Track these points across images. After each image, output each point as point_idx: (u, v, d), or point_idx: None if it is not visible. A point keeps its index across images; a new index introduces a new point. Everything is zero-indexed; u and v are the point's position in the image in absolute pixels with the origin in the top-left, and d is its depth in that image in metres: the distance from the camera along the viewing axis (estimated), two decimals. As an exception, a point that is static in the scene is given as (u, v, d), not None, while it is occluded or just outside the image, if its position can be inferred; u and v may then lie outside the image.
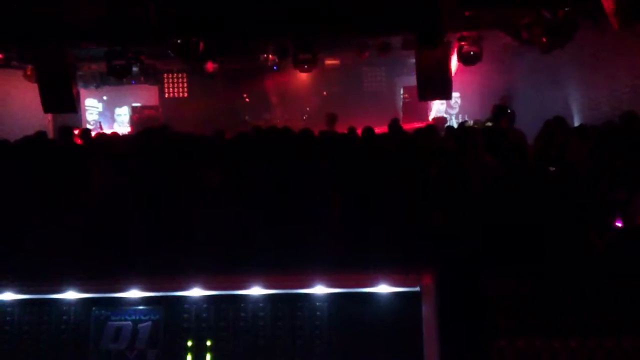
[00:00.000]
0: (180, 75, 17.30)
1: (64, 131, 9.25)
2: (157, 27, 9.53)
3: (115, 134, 11.14)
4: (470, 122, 12.69)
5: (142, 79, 16.00)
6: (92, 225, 2.83)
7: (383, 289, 2.10)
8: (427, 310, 2.06)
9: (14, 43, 10.98)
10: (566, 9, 9.02)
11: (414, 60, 12.13)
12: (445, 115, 15.98)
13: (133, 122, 16.84)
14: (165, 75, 17.25)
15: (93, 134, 11.12)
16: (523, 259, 2.72)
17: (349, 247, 2.46)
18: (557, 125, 7.19)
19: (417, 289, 2.08)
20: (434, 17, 9.51)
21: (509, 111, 7.46)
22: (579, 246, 4.78)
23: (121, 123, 18.11)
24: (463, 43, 11.37)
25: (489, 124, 11.06)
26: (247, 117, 16.55)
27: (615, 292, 2.47)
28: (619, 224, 6.20)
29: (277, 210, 2.92)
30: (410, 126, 14.26)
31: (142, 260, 2.35)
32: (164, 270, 2.20)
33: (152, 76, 16.17)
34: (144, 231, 2.70)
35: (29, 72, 13.64)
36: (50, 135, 13.29)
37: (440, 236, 2.59)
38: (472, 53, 11.27)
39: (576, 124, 9.85)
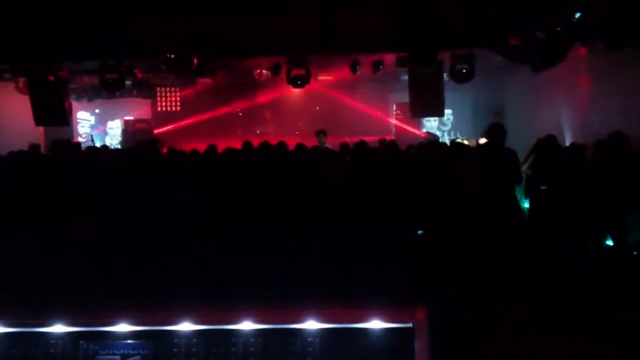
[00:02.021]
0: (173, 89, 17.28)
1: (57, 145, 9.20)
2: (151, 43, 9.56)
3: (105, 147, 11.11)
4: (462, 139, 12.74)
5: (134, 92, 15.97)
6: (80, 256, 2.80)
7: (375, 324, 2.07)
8: (420, 347, 2.04)
9: (7, 56, 10.94)
10: (558, 29, 9.07)
11: (407, 77, 12.18)
12: (437, 132, 16.06)
13: (125, 135, 16.79)
14: (158, 89, 17.22)
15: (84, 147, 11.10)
16: (513, 287, 2.70)
17: (341, 281, 2.44)
18: (549, 143, 7.22)
19: (410, 325, 2.06)
20: (426, 36, 9.58)
21: (502, 129, 7.50)
22: (570, 268, 4.77)
23: (113, 136, 18.08)
24: (455, 61, 11.39)
25: (482, 140, 11.11)
26: (239, 132, 16.56)
27: (604, 322, 2.45)
28: (609, 243, 6.23)
29: (267, 242, 2.90)
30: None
31: (131, 292, 2.33)
32: (153, 304, 2.16)
33: (144, 90, 16.14)
34: (133, 262, 2.67)
35: (21, 85, 13.61)
36: (42, 148, 13.27)
37: (432, 270, 2.58)
38: (464, 71, 11.30)
39: (567, 142, 9.91)
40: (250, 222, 3.24)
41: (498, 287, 2.54)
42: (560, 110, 11.06)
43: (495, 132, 6.78)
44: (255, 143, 8.90)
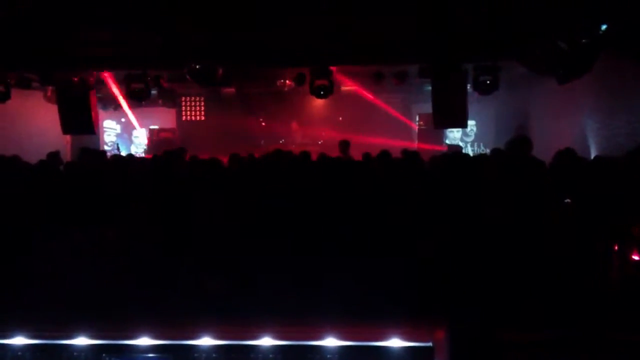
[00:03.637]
0: (197, 98, 17.50)
1: (85, 153, 9.27)
2: (177, 54, 9.68)
3: (131, 156, 11.21)
4: (487, 152, 12.64)
5: (160, 101, 16.17)
6: (103, 269, 2.83)
7: (395, 343, 2.07)
8: (440, 367, 2.03)
9: (36, 65, 11.19)
10: (584, 41, 8.98)
11: (430, 88, 12.13)
12: (460, 143, 15.97)
13: (150, 144, 17.03)
14: (183, 98, 17.45)
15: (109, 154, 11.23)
16: (537, 308, 2.67)
17: (361, 299, 2.44)
18: (568, 156, 7.12)
19: (430, 344, 2.05)
20: (449, 48, 9.57)
21: (528, 141, 7.42)
22: (595, 284, 4.69)
23: (138, 145, 18.32)
24: (479, 72, 11.33)
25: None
26: (262, 142, 16.66)
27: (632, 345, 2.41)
28: (636, 257, 6.11)
29: (288, 258, 2.91)
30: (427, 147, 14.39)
31: (153, 307, 2.35)
32: (175, 318, 2.19)
33: (170, 99, 16.33)
34: (155, 278, 2.70)
35: (49, 94, 13.89)
36: (68, 156, 13.50)
37: (452, 289, 2.56)
38: (488, 82, 11.23)
39: (592, 155, 9.78)
40: (272, 237, 3.25)
41: (520, 305, 2.51)
42: (586, 122, 10.92)
43: (521, 143, 6.69)
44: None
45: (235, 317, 2.18)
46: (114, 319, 2.22)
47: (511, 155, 8.20)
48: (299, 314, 2.18)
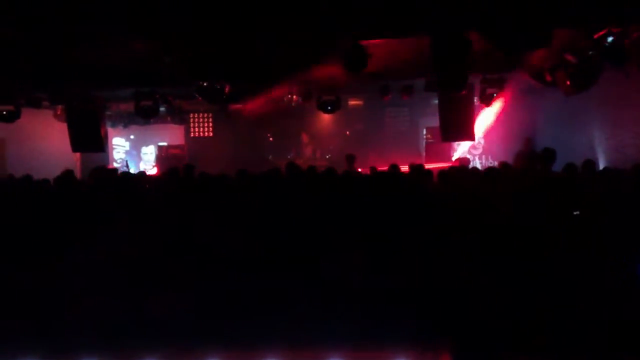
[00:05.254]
0: (206, 115, 17.62)
1: (98, 172, 9.30)
2: (184, 72, 9.74)
3: (141, 174, 11.27)
4: (495, 164, 12.60)
5: (168, 118, 16.30)
6: (108, 291, 2.85)
7: (399, 367, 2.07)
8: (445, 391, 2.03)
9: (46, 85, 11.31)
10: (590, 53, 8.99)
11: (437, 101, 12.14)
12: (468, 156, 15.93)
13: (159, 161, 17.17)
14: (192, 115, 17.58)
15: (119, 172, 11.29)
16: (543, 329, 2.66)
17: (366, 323, 2.43)
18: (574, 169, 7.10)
19: (434, 368, 2.05)
20: (456, 62, 9.57)
21: (554, 153, 7.36)
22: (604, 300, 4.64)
23: (147, 162, 18.46)
24: (486, 85, 11.35)
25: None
26: (270, 157, 16.72)
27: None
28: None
29: (292, 282, 2.91)
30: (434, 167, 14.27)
31: (159, 331, 2.36)
32: (181, 343, 2.20)
33: (178, 116, 16.46)
34: (161, 302, 2.71)
35: (58, 112, 14.04)
36: (78, 174, 13.62)
37: (457, 311, 2.55)
38: (495, 95, 11.24)
39: (601, 166, 9.74)
40: (277, 257, 3.25)
41: (526, 328, 2.50)
42: (594, 134, 10.89)
43: (547, 156, 6.67)
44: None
45: (241, 342, 2.19)
46: (120, 343, 2.23)
47: (520, 169, 8.17)
48: (305, 339, 2.18)
